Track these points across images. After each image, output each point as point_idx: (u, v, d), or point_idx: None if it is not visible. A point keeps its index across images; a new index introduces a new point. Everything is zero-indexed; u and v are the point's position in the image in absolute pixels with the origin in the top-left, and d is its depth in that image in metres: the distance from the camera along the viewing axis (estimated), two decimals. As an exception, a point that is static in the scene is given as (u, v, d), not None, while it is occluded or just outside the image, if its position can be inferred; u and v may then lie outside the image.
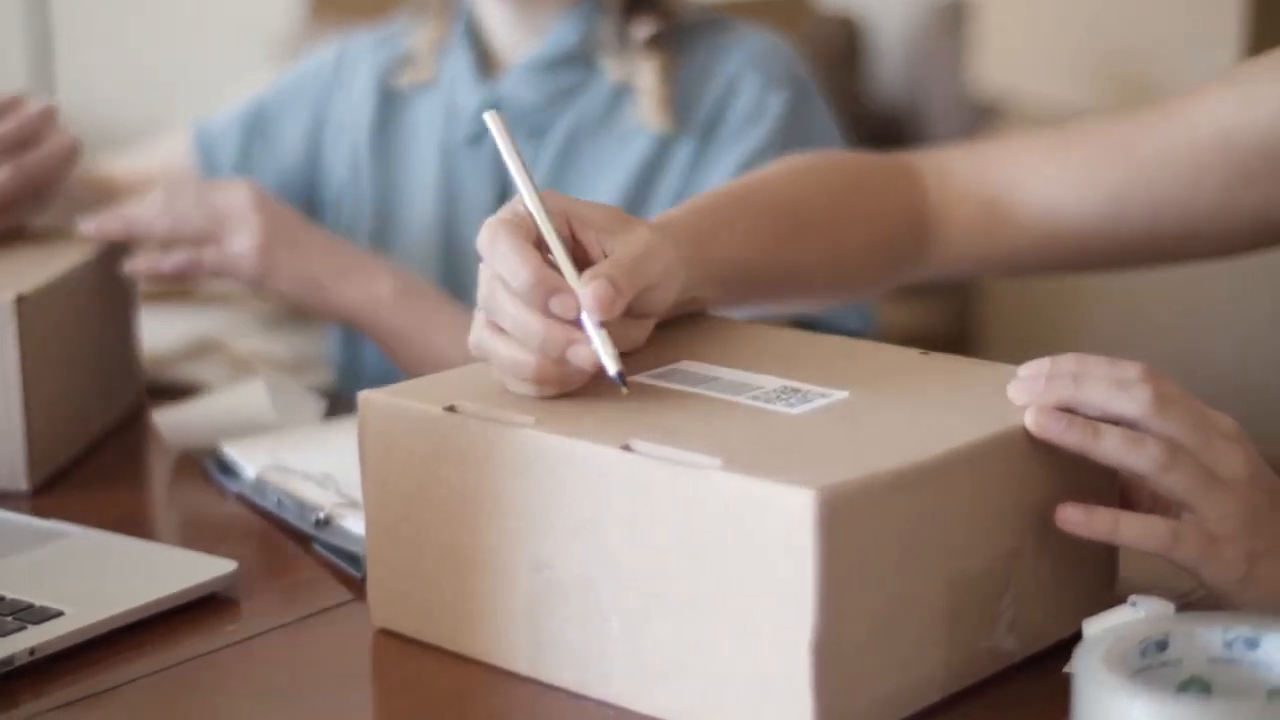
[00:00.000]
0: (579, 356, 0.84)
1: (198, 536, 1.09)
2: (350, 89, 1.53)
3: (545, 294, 0.85)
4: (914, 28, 3.40)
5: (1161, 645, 0.72)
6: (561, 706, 0.83)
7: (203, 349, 1.46)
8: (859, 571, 0.76)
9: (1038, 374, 0.84)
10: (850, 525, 0.75)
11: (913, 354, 0.94)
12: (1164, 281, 2.44)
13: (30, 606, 0.91)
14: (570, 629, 0.83)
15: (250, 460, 1.14)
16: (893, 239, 1.13)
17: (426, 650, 0.89)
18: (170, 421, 1.21)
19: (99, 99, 3.38)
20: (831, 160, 1.14)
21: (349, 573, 0.99)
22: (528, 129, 1.43)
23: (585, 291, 0.85)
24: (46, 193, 1.29)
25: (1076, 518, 0.82)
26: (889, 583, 0.78)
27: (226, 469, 1.16)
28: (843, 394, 0.87)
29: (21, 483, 1.14)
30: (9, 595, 0.92)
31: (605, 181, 1.42)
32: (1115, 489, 0.87)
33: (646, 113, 1.42)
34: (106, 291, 1.29)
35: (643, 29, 1.43)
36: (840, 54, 3.31)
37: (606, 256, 0.89)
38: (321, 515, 1.04)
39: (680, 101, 1.42)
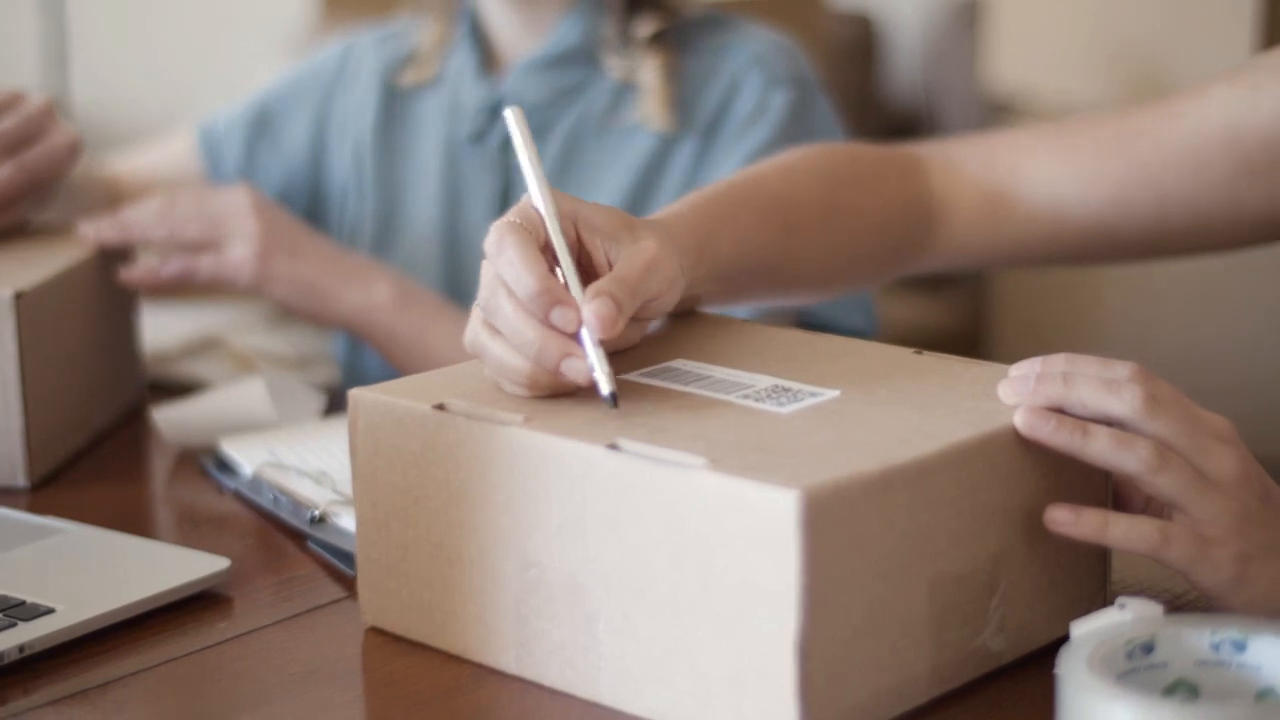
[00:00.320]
0: (573, 370, 0.84)
1: (194, 533, 1.09)
2: (354, 87, 1.53)
3: (548, 305, 0.84)
4: (929, 25, 3.39)
5: (1148, 648, 0.71)
6: (548, 704, 0.83)
7: (205, 346, 1.46)
8: (844, 572, 0.76)
9: (1028, 374, 0.84)
10: (835, 525, 0.75)
11: (906, 353, 0.94)
12: (1180, 276, 2.43)
13: (21, 603, 0.91)
14: (557, 627, 0.83)
15: (248, 457, 1.14)
16: (887, 229, 1.12)
17: (415, 648, 0.89)
18: (169, 419, 1.21)
19: (114, 98, 3.39)
20: (825, 153, 1.14)
21: (343, 570, 0.99)
22: (530, 127, 1.43)
23: (588, 310, 0.84)
24: (48, 189, 1.29)
25: (1065, 519, 0.81)
26: (874, 583, 0.77)
27: (225, 466, 1.16)
28: (834, 393, 0.86)
29: (20, 479, 1.15)
30: (0, 592, 0.93)
31: (608, 180, 1.42)
32: (1106, 490, 0.87)
33: (649, 111, 1.41)
34: (107, 288, 1.29)
35: (645, 27, 1.43)
36: (855, 52, 3.31)
37: (610, 263, 0.89)
38: (316, 513, 1.04)
39: (683, 100, 1.42)
